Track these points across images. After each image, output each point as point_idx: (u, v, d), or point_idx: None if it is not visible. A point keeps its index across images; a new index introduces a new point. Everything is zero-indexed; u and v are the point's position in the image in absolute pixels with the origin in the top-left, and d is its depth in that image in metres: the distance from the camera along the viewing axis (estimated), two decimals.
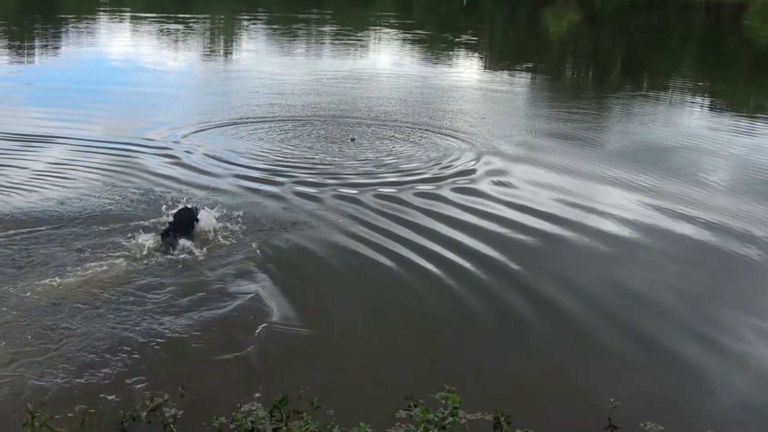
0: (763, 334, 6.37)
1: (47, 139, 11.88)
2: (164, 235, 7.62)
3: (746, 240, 8.45)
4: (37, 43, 26.04)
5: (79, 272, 6.78)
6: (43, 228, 7.82)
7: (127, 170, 10.26)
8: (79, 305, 6.17)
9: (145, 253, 7.35)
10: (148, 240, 7.56)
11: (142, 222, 8.09)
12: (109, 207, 8.67)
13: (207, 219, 8.02)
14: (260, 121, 13.79)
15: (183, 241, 7.55)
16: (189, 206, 8.11)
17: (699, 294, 7.17)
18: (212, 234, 7.89)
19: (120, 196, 9.09)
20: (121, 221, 8.15)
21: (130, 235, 7.70)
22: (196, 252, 7.45)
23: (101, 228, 7.90)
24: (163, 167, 10.58)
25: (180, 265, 7.13)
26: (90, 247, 7.39)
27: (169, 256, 7.30)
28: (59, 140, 11.85)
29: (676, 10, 52.48)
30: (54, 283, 6.54)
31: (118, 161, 10.76)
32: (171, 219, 7.83)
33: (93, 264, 6.98)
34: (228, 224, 8.09)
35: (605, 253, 7.99)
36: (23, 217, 8.10)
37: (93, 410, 4.72)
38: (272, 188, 9.70)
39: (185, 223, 7.78)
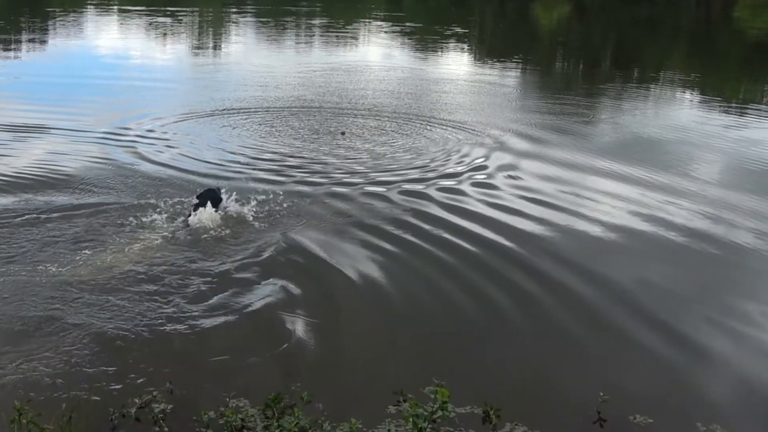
0: (752, 327, 6.38)
1: (37, 130, 11.98)
2: (189, 214, 7.90)
3: (737, 232, 8.47)
4: (24, 36, 25.86)
5: (74, 262, 6.77)
6: (36, 216, 7.85)
7: (117, 159, 10.45)
8: (73, 297, 6.14)
9: (148, 238, 7.43)
10: (161, 223, 7.78)
11: (134, 209, 8.20)
12: (100, 194, 8.77)
13: (227, 203, 8.34)
14: (248, 113, 13.77)
15: (206, 219, 7.81)
16: (213, 187, 8.36)
17: (689, 287, 7.18)
18: (231, 216, 8.14)
19: (110, 184, 9.19)
20: (114, 209, 8.23)
21: (125, 222, 7.80)
22: (217, 232, 7.68)
23: (95, 216, 7.96)
24: (153, 155, 10.74)
25: (183, 253, 7.16)
26: (82, 236, 7.41)
27: (181, 240, 7.44)
28: (48, 131, 11.98)
29: (666, 3, 52.48)
30: (49, 274, 6.52)
31: (106, 150, 10.93)
32: (196, 200, 8.10)
33: (87, 253, 6.99)
34: (235, 212, 8.28)
35: (595, 247, 8.00)
36: (15, 206, 8.12)
37: (81, 407, 4.68)
38: (274, 180, 9.75)
39: (211, 202, 8.03)
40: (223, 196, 8.35)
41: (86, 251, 7.03)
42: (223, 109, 14.05)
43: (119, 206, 8.33)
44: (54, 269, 6.62)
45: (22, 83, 17.31)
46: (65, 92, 16.03)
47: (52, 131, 11.97)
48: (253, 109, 14.17)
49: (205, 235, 7.65)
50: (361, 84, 18.07)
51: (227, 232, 7.79)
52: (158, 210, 8.20)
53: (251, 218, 8.19)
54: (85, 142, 11.34)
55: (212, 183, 9.19)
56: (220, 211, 8.10)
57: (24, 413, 4.14)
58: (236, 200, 8.45)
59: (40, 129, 12.05)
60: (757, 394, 5.42)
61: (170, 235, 7.59)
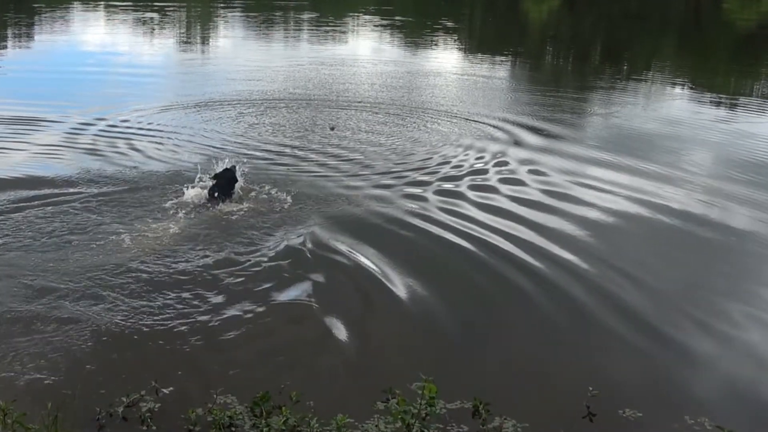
0: (742, 321, 6.36)
1: (25, 123, 12.06)
2: (210, 193, 8.36)
3: (728, 226, 8.48)
4: (11, 32, 25.70)
5: (64, 256, 6.74)
6: (31, 208, 7.88)
7: (109, 150, 10.59)
8: (61, 293, 6.09)
9: (148, 228, 7.49)
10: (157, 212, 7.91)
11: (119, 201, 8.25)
12: (94, 186, 8.81)
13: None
14: (237, 106, 13.72)
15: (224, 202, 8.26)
16: (229, 167, 8.70)
17: (680, 282, 7.17)
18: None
19: (104, 175, 9.29)
20: (109, 200, 8.33)
21: (114, 216, 7.81)
22: (232, 210, 8.08)
23: (87, 209, 7.98)
24: (150, 147, 10.90)
25: (177, 246, 7.17)
26: (70, 229, 7.41)
27: (181, 229, 7.54)
28: (39, 122, 12.09)
29: None
30: (38, 268, 6.48)
31: (95, 140, 11.10)
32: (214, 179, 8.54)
33: (76, 246, 7.00)
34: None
35: (585, 241, 7.95)
36: (7, 200, 8.12)
37: (67, 406, 4.64)
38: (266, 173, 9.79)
39: (227, 182, 8.48)
40: (239, 177, 8.67)
41: (75, 245, 7.01)
42: (212, 103, 13.99)
43: (114, 198, 8.38)
44: (45, 264, 6.58)
45: (10, 77, 17.36)
46: (53, 86, 16.02)
47: (41, 124, 12.04)
48: (242, 103, 14.10)
49: (208, 223, 7.76)
50: (350, 78, 18.00)
51: (234, 218, 7.96)
52: (154, 199, 8.34)
53: (255, 205, 8.35)
54: (79, 134, 11.44)
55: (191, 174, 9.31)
56: (234, 192, 8.49)
57: (9, 413, 4.10)
58: (247, 184, 8.79)
59: (28, 122, 12.11)
60: (745, 388, 5.43)
61: (172, 224, 7.66)
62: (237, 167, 8.83)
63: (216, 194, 8.38)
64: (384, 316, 6.24)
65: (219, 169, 8.73)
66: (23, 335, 5.48)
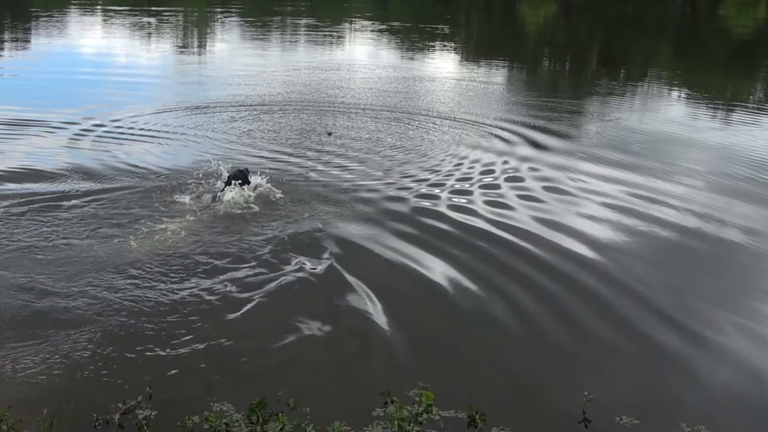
0: (739, 326, 6.36)
1: (25, 124, 12.19)
2: (215, 196, 8.48)
3: (725, 231, 8.48)
4: (7, 36, 25.71)
5: (61, 258, 6.74)
6: (33, 208, 7.93)
7: (106, 150, 10.71)
8: (57, 296, 6.08)
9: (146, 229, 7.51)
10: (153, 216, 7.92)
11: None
12: (96, 184, 8.93)
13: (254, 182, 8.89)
14: (233, 110, 13.74)
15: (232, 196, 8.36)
16: (241, 168, 8.87)
17: (676, 287, 7.14)
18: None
19: (104, 174, 9.39)
20: (107, 200, 8.38)
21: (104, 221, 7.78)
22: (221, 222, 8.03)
23: (77, 212, 7.97)
24: (148, 148, 11.04)
25: (175, 249, 7.18)
26: (62, 233, 7.40)
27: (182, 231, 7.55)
28: (35, 124, 12.17)
29: (651, 1, 52.66)
30: (37, 269, 6.48)
31: (91, 142, 11.24)
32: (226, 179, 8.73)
33: (71, 246, 7.02)
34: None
35: (582, 247, 7.93)
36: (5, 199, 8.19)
37: (63, 412, 4.63)
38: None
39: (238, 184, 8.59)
40: (251, 179, 8.78)
41: (76, 248, 7.01)
42: (208, 107, 14.01)
43: (115, 198, 8.42)
44: (43, 267, 6.58)
45: (7, 79, 17.48)
46: (50, 89, 16.12)
47: (38, 126, 12.09)
48: (238, 107, 14.11)
49: (213, 227, 7.78)
50: (346, 83, 18.01)
51: (239, 221, 7.97)
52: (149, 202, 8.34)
53: (259, 208, 8.37)
54: (77, 137, 11.51)
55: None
56: (245, 193, 8.54)
57: (4, 419, 4.09)
58: (260, 185, 8.85)
59: (25, 124, 12.19)
60: (743, 395, 5.42)
61: (175, 226, 7.66)
62: (249, 169, 8.95)
63: (218, 194, 8.49)
64: (382, 321, 6.22)
65: (232, 171, 8.88)
66: (19, 340, 5.46)
